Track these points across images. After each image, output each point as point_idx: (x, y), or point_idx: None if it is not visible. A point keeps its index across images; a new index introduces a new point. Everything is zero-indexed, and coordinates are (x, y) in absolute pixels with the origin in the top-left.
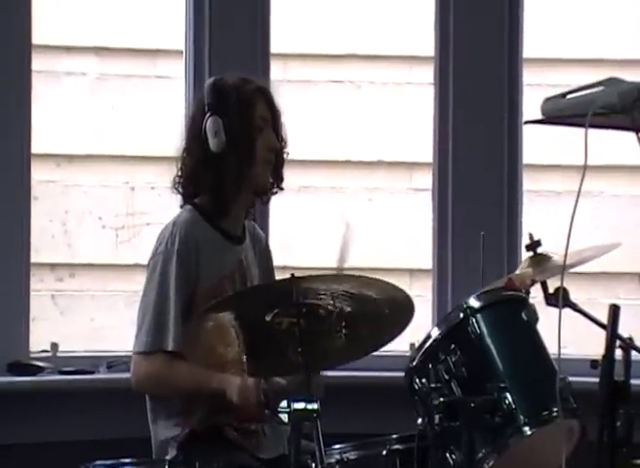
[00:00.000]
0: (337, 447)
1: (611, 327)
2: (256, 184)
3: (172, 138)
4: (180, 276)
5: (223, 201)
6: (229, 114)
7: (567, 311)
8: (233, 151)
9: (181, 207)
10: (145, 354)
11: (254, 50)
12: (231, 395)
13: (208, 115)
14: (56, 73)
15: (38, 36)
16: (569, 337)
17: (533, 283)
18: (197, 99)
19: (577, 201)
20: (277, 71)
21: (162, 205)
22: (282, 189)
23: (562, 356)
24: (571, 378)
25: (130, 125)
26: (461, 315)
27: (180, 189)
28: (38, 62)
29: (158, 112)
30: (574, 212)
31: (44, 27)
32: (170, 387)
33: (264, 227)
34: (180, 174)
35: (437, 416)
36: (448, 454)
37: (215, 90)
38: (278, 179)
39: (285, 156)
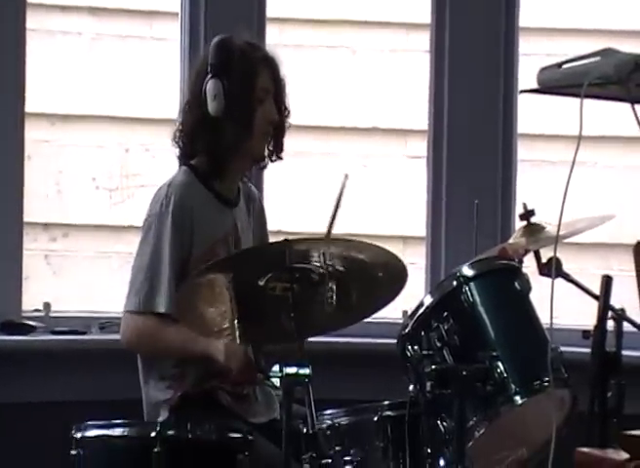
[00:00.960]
0: (328, 412)
1: (603, 297)
2: (252, 153)
3: (167, 100)
4: (175, 238)
5: (219, 164)
6: (232, 80)
7: (559, 281)
8: (231, 119)
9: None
10: (136, 313)
11: (250, 13)
12: (218, 359)
13: (210, 76)
14: (51, 32)
15: None
16: (561, 307)
17: (526, 252)
18: (202, 56)
19: (571, 171)
20: (273, 35)
21: (156, 167)
22: (281, 158)
23: (554, 326)
24: (562, 348)
25: (125, 86)
26: (455, 283)
27: (180, 144)
28: (33, 21)
29: (154, 74)
30: (568, 182)
31: None
32: (158, 348)
33: (259, 191)
34: (180, 128)
35: (429, 384)
36: (439, 422)
37: (220, 51)
38: (278, 149)
39: (287, 126)
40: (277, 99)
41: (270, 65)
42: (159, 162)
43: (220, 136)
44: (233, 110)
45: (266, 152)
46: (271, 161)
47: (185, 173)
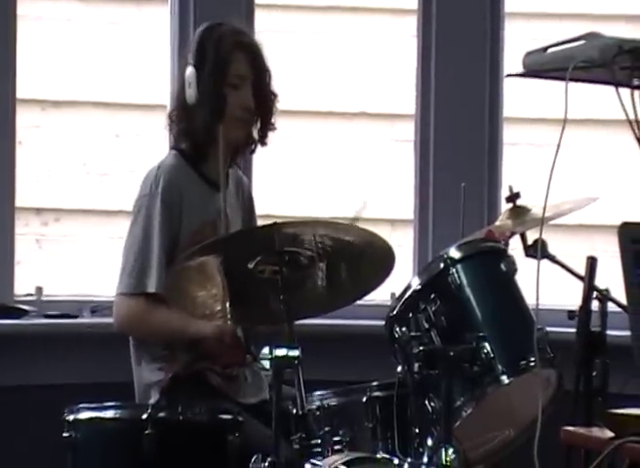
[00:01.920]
0: (317, 393)
1: (588, 278)
2: (227, 139)
3: (157, 86)
4: (164, 219)
5: (198, 148)
6: (204, 68)
7: (545, 262)
8: (203, 105)
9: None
10: (128, 295)
11: None
12: (209, 341)
13: (188, 65)
14: (41, 18)
15: None
16: (547, 288)
17: (512, 234)
18: (189, 44)
19: (556, 154)
20: (261, 21)
21: (146, 152)
22: (265, 144)
23: (540, 306)
24: (548, 329)
25: (115, 72)
26: (442, 265)
27: (169, 129)
28: (23, 7)
29: (144, 59)
30: (553, 165)
31: None
32: (149, 330)
33: (248, 175)
34: (169, 114)
35: (417, 365)
36: (427, 402)
37: (199, 40)
38: (263, 136)
39: (273, 111)
40: (256, 86)
41: (247, 51)
42: (149, 147)
43: (193, 122)
44: (204, 97)
45: (256, 137)
46: (257, 147)
47: (174, 156)
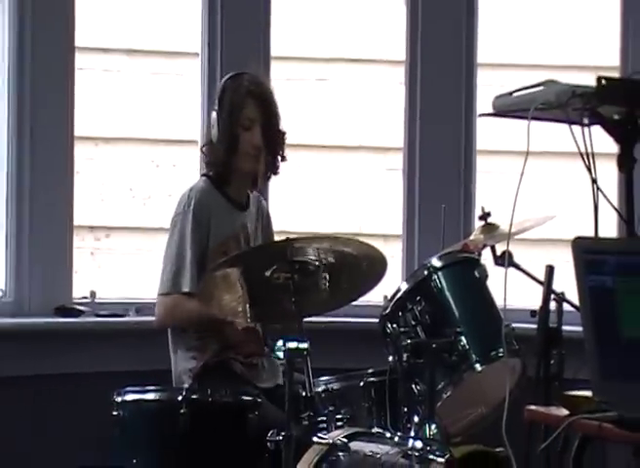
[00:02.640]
0: (323, 379)
1: (547, 283)
2: (242, 170)
3: (190, 125)
4: (195, 232)
5: (221, 176)
6: (222, 111)
7: (511, 270)
8: (222, 142)
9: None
10: (165, 294)
11: (258, 53)
12: (233, 329)
13: (213, 110)
14: (94, 69)
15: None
16: (513, 291)
17: (484, 247)
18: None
19: (520, 180)
20: (277, 70)
21: (181, 180)
22: (277, 174)
23: (507, 306)
24: (514, 325)
25: (156, 113)
26: (426, 272)
27: (204, 158)
28: (80, 61)
29: (179, 103)
30: (517, 189)
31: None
32: (183, 316)
33: (265, 198)
34: (201, 148)
35: (405, 355)
36: (414, 386)
37: (222, 88)
38: (272, 167)
39: (280, 148)
40: (265, 127)
41: (258, 99)
42: (183, 175)
43: (216, 155)
44: (222, 135)
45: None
46: (269, 176)
47: (204, 181)
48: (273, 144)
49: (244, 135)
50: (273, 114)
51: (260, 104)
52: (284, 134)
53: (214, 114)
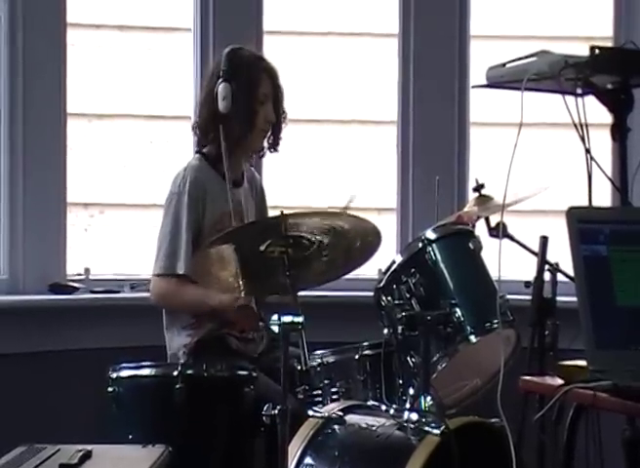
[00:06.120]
0: (318, 352)
1: (541, 254)
2: (251, 146)
3: (182, 101)
4: (190, 211)
5: (220, 151)
6: (239, 85)
7: (506, 241)
8: (237, 116)
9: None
10: (161, 276)
11: (250, 27)
12: (228, 310)
13: (221, 80)
14: (86, 45)
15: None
16: (507, 263)
17: (478, 218)
18: (215, 62)
19: (514, 152)
20: (269, 44)
21: (175, 156)
22: (277, 151)
23: (501, 278)
24: (508, 296)
25: (148, 89)
26: (420, 245)
27: (198, 132)
28: (72, 37)
29: (171, 78)
30: (511, 160)
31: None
32: (179, 304)
33: (259, 172)
34: (197, 120)
35: (400, 327)
36: (409, 358)
37: (231, 59)
38: (275, 143)
39: (283, 126)
40: (275, 104)
41: (271, 75)
42: (177, 152)
43: (225, 130)
44: (239, 109)
45: (266, 145)
46: (269, 152)
47: (198, 159)
48: (279, 122)
49: (260, 110)
50: (282, 92)
51: (274, 82)
52: (286, 113)
53: (224, 85)
